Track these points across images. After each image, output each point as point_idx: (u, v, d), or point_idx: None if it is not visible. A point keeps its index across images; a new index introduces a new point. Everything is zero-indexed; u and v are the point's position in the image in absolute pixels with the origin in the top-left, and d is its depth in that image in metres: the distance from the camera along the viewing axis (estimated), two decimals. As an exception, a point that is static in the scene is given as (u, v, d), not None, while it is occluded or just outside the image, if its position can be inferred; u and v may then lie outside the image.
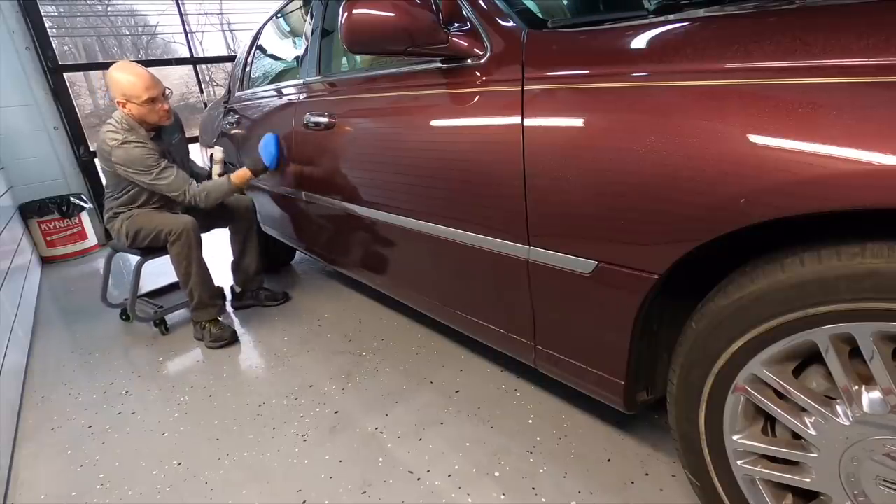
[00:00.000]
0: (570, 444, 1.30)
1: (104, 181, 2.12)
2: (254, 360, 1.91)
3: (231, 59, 4.41)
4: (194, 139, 3.73)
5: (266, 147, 1.98)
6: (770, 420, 0.80)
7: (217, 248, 2.79)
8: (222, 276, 2.49)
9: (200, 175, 2.29)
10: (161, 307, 2.31)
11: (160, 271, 2.74)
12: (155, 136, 1.98)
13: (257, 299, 2.42)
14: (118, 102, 1.88)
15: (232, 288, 2.47)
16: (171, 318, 2.36)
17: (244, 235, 2.33)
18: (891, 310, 0.59)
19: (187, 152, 2.24)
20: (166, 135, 2.06)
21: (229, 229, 2.36)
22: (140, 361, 2.00)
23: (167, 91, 1.94)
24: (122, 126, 1.88)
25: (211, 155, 2.33)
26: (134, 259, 2.17)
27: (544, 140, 0.94)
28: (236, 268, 2.40)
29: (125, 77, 1.85)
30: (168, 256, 2.05)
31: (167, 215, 2.06)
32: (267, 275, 2.78)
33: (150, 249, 2.11)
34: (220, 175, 2.15)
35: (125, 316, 2.39)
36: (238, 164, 2.28)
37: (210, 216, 2.21)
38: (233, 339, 2.06)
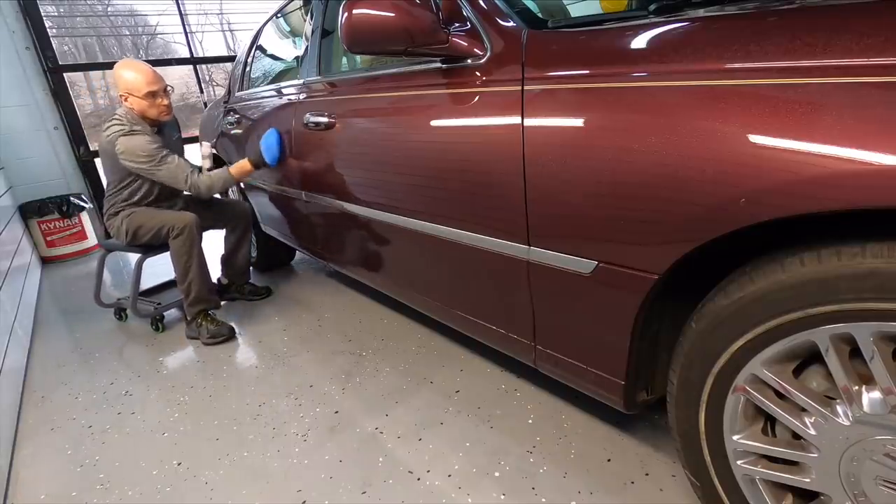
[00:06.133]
0: (570, 444, 1.30)
1: (104, 181, 2.16)
2: (254, 360, 1.91)
3: (231, 59, 4.41)
4: (193, 139, 3.74)
5: (269, 146, 1.97)
6: (770, 420, 0.79)
7: (207, 245, 2.80)
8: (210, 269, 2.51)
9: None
10: (159, 304, 2.32)
11: (153, 271, 2.77)
12: (157, 132, 2.07)
13: (242, 293, 2.49)
14: (121, 96, 1.97)
15: (219, 280, 2.52)
16: (169, 318, 2.36)
17: (240, 236, 2.40)
18: (891, 310, 0.59)
19: (182, 151, 2.29)
20: (167, 131, 2.15)
21: (226, 229, 2.41)
22: (140, 361, 1.99)
23: (168, 88, 2.02)
24: (128, 119, 1.96)
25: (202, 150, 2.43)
26: (132, 259, 2.18)
27: (544, 140, 0.94)
28: (226, 262, 2.46)
29: (129, 72, 1.95)
30: (163, 255, 2.07)
31: (169, 212, 2.11)
32: (267, 274, 2.80)
33: (150, 247, 2.13)
34: (210, 169, 2.22)
35: (119, 315, 2.40)
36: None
37: (209, 217, 2.24)
38: (230, 335, 2.07)
